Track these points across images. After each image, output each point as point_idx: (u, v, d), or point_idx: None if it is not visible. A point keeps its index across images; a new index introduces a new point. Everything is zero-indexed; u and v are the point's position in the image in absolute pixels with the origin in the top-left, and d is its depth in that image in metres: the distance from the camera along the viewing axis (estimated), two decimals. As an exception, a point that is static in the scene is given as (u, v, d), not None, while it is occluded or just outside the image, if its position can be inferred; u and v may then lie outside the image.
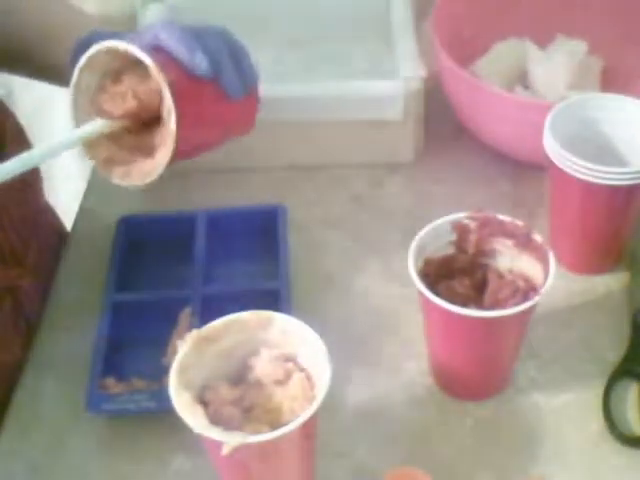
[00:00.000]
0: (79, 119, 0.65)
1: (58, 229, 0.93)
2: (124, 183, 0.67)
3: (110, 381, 0.71)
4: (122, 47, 0.63)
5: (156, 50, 0.65)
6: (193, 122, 0.65)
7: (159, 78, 0.62)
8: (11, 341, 0.77)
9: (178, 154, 0.64)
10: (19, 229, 0.79)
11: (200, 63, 0.65)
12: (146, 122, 0.66)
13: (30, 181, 0.84)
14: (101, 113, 0.65)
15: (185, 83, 0.65)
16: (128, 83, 0.64)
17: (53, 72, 0.75)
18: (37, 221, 0.85)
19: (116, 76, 0.65)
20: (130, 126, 0.65)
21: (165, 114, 0.63)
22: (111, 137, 0.66)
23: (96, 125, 0.64)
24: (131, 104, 0.64)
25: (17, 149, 0.82)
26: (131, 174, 0.66)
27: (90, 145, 0.65)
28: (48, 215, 0.92)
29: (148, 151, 0.66)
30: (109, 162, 0.66)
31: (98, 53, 0.64)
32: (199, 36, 0.66)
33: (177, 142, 0.63)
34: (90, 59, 0.64)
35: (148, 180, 0.65)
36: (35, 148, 0.61)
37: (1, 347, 0.76)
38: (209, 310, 0.69)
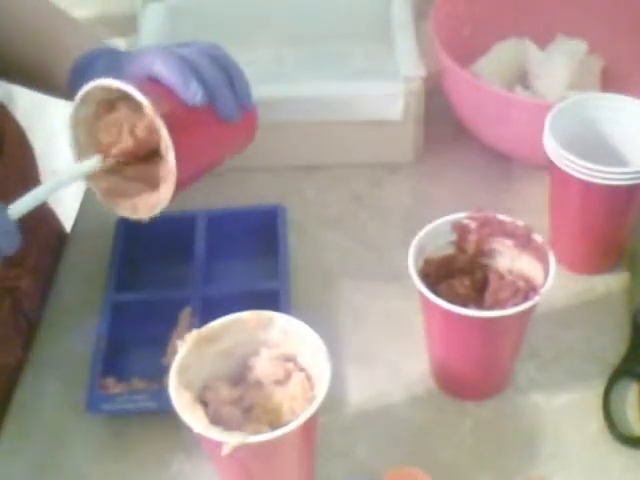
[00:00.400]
0: (79, 151, 0.65)
1: (57, 229, 0.93)
2: (133, 217, 0.67)
3: (110, 381, 0.71)
4: (118, 86, 0.62)
5: (150, 80, 0.65)
6: (192, 152, 0.65)
7: (155, 117, 0.62)
8: (11, 341, 0.77)
9: (181, 184, 0.64)
10: (20, 229, 0.79)
11: (195, 94, 0.64)
12: (145, 155, 0.65)
13: (27, 181, 0.84)
14: (98, 145, 0.64)
15: (181, 113, 0.64)
16: (124, 113, 0.64)
17: (51, 84, 0.76)
18: (36, 222, 0.85)
19: (110, 105, 0.64)
20: (129, 160, 0.65)
21: (163, 149, 0.63)
22: (110, 170, 0.65)
23: (92, 162, 0.64)
24: (127, 143, 0.64)
25: (18, 151, 0.82)
26: (138, 208, 0.66)
27: (91, 177, 0.65)
28: (47, 216, 0.92)
29: (151, 181, 0.65)
30: (112, 193, 0.66)
31: (94, 89, 0.63)
32: (193, 62, 0.65)
33: (178, 174, 0.63)
34: (86, 94, 0.64)
35: (155, 212, 0.66)
36: (36, 188, 0.62)
37: (1, 347, 0.76)
38: (209, 310, 0.69)
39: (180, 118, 0.64)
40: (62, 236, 0.91)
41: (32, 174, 0.86)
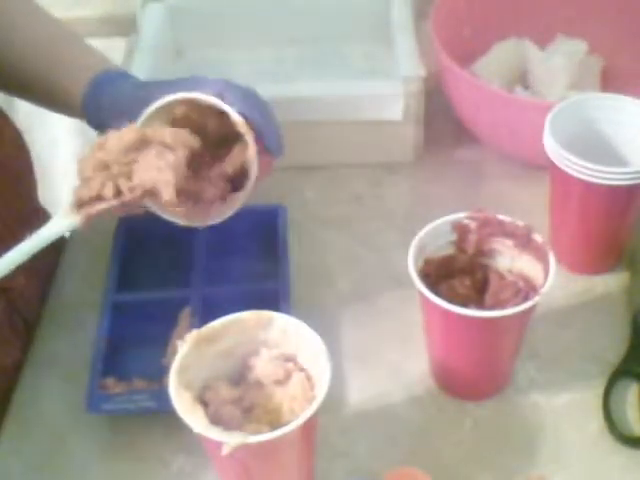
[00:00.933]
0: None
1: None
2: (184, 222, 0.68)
3: (110, 381, 0.71)
4: (223, 108, 0.65)
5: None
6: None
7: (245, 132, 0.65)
8: (7, 342, 0.77)
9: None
10: (13, 230, 0.79)
11: (281, 148, 0.70)
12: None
13: (22, 183, 0.84)
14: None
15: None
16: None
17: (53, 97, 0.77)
18: (31, 223, 0.85)
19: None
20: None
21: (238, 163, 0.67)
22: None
23: (70, 222, 0.65)
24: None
25: (15, 153, 0.82)
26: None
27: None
28: (43, 218, 0.92)
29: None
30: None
31: (177, 101, 0.66)
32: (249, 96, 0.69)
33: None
34: (168, 104, 0.65)
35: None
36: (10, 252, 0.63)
37: None
38: (209, 310, 0.69)
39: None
40: (60, 240, 0.91)
41: (27, 177, 0.86)
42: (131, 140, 0.62)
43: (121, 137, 0.63)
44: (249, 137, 0.66)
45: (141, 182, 0.62)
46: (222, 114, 0.66)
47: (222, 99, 0.66)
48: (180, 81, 0.70)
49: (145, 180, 0.62)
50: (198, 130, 0.66)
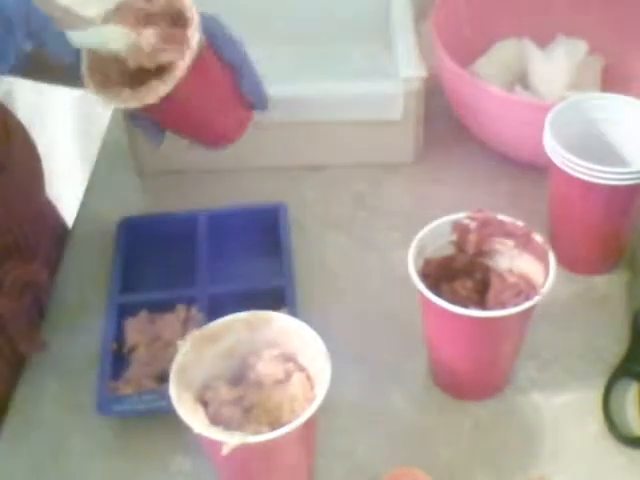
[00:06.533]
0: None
1: (63, 225, 0.93)
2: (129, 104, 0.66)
3: (118, 382, 0.71)
4: None
5: None
6: (201, 84, 0.66)
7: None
8: (30, 336, 0.77)
9: (174, 113, 0.66)
10: (31, 224, 0.80)
11: (254, 79, 0.69)
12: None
13: (33, 176, 0.85)
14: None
15: (213, 60, 0.67)
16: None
17: (51, 74, 0.75)
18: (44, 217, 0.86)
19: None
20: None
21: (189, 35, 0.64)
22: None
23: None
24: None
25: (22, 145, 0.83)
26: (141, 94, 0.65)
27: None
28: (53, 212, 0.92)
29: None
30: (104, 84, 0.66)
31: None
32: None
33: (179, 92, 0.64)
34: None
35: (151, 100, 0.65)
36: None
37: (22, 341, 0.75)
38: (215, 309, 0.69)
39: (212, 60, 0.66)
40: (66, 233, 0.91)
41: (37, 171, 0.87)
42: None
43: None
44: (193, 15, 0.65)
45: None
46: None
47: (207, 32, 0.66)
48: None
49: None
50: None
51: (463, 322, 0.65)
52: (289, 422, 0.56)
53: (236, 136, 0.73)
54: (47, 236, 0.85)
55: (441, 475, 0.65)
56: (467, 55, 0.94)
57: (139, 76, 0.65)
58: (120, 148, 0.96)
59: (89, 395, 0.71)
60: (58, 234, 0.89)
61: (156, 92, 0.64)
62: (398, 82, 0.87)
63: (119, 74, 0.66)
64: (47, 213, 0.89)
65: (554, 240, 0.77)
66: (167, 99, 0.64)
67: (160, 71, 0.65)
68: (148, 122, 0.70)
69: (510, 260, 0.70)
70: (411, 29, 0.94)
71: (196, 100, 0.68)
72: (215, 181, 0.92)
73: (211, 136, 0.73)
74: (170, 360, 0.60)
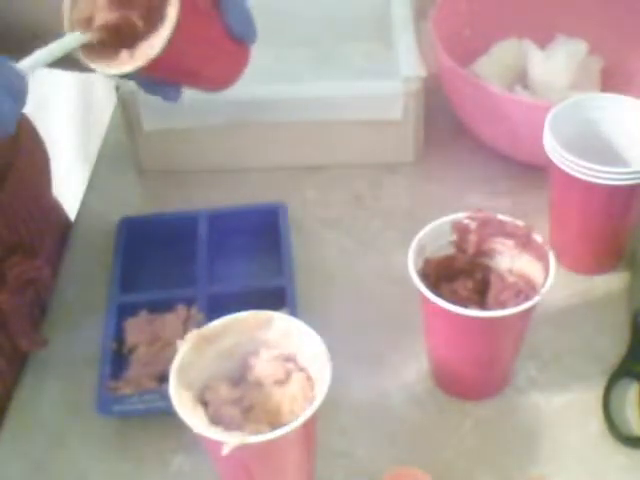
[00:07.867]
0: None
1: (67, 223, 0.93)
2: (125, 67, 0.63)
3: (118, 382, 0.71)
4: None
5: None
6: (190, 33, 0.64)
7: None
8: (31, 333, 0.77)
9: (166, 61, 0.63)
10: (37, 222, 0.80)
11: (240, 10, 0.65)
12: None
13: (42, 176, 0.85)
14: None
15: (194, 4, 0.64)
16: None
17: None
18: (50, 215, 0.86)
19: None
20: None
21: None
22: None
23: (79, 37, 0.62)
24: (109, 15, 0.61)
25: (31, 143, 0.83)
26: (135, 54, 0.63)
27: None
28: (58, 209, 0.93)
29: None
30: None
31: None
32: None
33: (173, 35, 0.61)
34: None
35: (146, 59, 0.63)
36: (39, 50, 0.59)
37: (23, 337, 0.75)
38: (216, 308, 0.69)
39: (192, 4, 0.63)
40: (69, 229, 0.91)
41: (46, 170, 0.87)
42: None
43: None
44: None
45: None
46: None
47: None
48: None
49: None
50: None
51: (463, 322, 0.65)
52: (289, 422, 0.56)
53: (235, 75, 0.72)
54: (51, 233, 0.85)
55: (441, 475, 0.65)
56: (467, 55, 0.94)
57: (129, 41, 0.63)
58: (120, 148, 0.96)
59: (89, 395, 0.71)
60: (62, 232, 0.89)
61: (160, 37, 0.62)
62: (398, 82, 0.87)
63: (115, 39, 0.63)
64: (53, 211, 0.89)
65: (554, 240, 0.77)
66: (168, 47, 0.62)
67: (148, 31, 0.63)
68: (155, 84, 0.68)
69: (510, 260, 0.70)
70: (411, 29, 0.94)
71: (193, 39, 0.66)
72: (215, 181, 0.92)
73: (212, 75, 0.71)
74: (170, 360, 0.60)
